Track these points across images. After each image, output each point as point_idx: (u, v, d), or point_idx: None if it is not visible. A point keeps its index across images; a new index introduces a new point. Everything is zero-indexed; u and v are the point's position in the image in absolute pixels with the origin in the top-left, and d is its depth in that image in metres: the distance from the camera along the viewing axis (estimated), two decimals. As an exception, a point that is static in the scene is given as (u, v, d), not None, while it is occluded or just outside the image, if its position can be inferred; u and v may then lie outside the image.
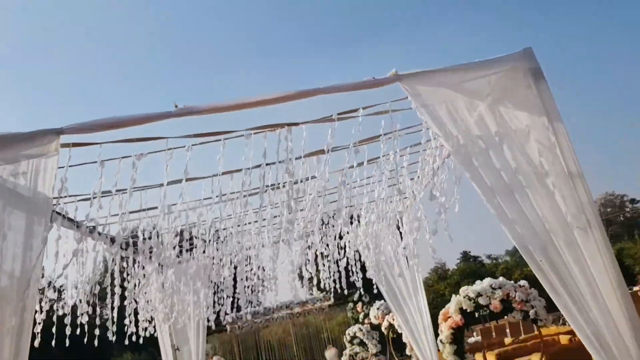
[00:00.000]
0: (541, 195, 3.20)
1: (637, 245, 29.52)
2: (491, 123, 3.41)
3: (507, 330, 16.55)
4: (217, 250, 6.13)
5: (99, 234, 4.96)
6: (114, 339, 5.04)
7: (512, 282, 5.26)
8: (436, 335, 6.85)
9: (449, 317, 5.44)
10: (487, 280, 5.33)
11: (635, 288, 10.83)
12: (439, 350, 7.13)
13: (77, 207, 4.18)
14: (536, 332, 13.32)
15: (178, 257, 7.13)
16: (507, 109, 3.42)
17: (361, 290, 22.29)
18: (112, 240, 5.04)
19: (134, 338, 5.57)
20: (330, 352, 22.22)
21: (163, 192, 4.17)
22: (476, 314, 17.11)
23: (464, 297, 5.37)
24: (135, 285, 5.81)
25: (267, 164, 3.82)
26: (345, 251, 7.22)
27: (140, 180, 4.06)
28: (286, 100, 3.10)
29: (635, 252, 26.69)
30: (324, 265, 7.47)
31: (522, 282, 5.24)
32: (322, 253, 7.23)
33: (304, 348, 25.21)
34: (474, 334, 18.04)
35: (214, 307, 6.95)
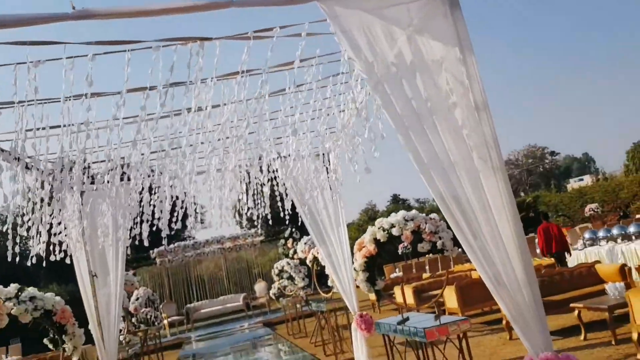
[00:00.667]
0: (448, 127, 3.25)
1: (552, 194, 32.28)
2: (408, 53, 3.40)
3: (427, 267, 17.45)
4: (132, 179, 5.92)
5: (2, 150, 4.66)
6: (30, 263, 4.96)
7: (423, 214, 5.48)
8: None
9: (364, 247, 5.62)
10: (401, 213, 5.52)
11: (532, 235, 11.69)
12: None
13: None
14: (452, 269, 14.13)
15: (92, 182, 6.89)
16: (424, 39, 3.41)
17: (292, 227, 22.74)
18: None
19: (50, 260, 5.40)
20: (259, 285, 22.76)
21: (66, 107, 3.97)
22: (400, 252, 17.79)
23: (379, 228, 5.55)
24: (44, 209, 5.58)
25: (174, 84, 3.68)
26: (271, 184, 7.20)
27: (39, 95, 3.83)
28: (195, 10, 2.94)
29: (549, 199, 28.72)
30: (254, 199, 7.41)
31: (433, 215, 5.47)
32: (248, 183, 7.16)
33: (235, 282, 25.67)
34: (396, 270, 18.93)
35: (134, 236, 6.78)
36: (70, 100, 3.95)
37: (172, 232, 6.38)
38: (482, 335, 8.46)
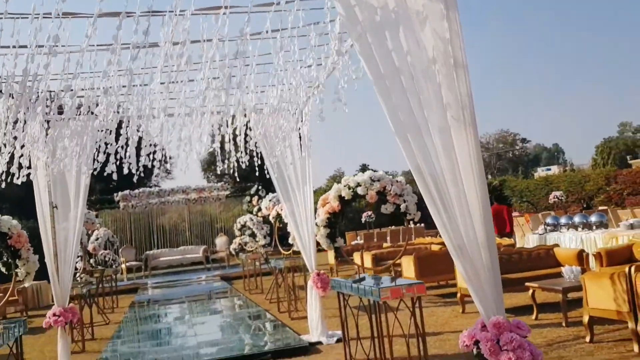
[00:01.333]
0: (426, 82, 3.24)
1: (518, 179, 33.07)
2: (392, 2, 3.34)
3: (388, 238, 17.70)
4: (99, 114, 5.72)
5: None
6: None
7: (390, 177, 5.50)
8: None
9: (327, 203, 5.64)
10: (368, 173, 5.53)
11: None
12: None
13: None
14: (413, 241, 14.36)
15: (60, 112, 6.68)
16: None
17: (259, 184, 22.68)
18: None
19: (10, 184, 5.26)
20: (221, 240, 22.77)
21: (35, 26, 3.79)
22: (363, 220, 17.99)
23: (344, 186, 5.56)
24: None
25: (154, 12, 3.54)
26: (245, 135, 7.06)
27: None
28: None
29: (515, 185, 29.35)
30: (222, 148, 7.23)
31: (400, 178, 5.50)
32: (218, 130, 6.99)
33: (196, 235, 25.61)
34: (358, 237, 19.16)
35: (96, 168, 6.60)
36: (40, 17, 3.78)
37: (138, 173, 6.25)
38: (436, 306, 8.67)
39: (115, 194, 21.85)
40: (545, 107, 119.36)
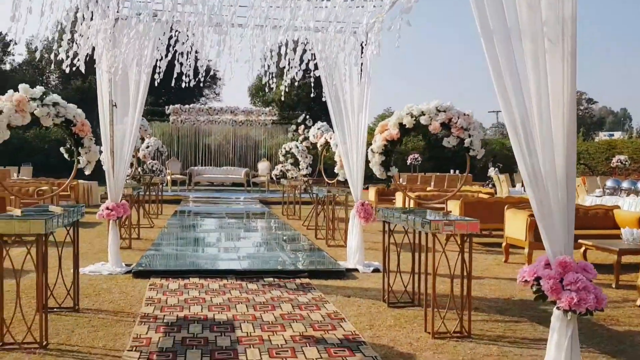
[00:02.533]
0: (532, 41, 2.93)
1: (578, 141, 31.68)
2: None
3: (432, 182, 17.49)
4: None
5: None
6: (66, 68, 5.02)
7: (458, 108, 5.29)
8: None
9: (386, 130, 5.50)
10: (435, 102, 5.32)
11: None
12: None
13: None
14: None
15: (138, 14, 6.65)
16: None
17: (306, 113, 22.57)
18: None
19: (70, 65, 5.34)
20: (263, 164, 23.04)
21: None
22: (408, 162, 17.81)
23: (406, 114, 5.38)
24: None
25: None
26: (301, 59, 6.85)
27: None
28: None
29: (575, 145, 28.21)
30: (277, 75, 7.04)
31: (468, 112, 5.27)
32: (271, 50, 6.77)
33: (239, 158, 25.99)
34: (401, 179, 19.03)
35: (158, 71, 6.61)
36: None
37: (188, 82, 6.22)
38: (478, 253, 8.59)
39: (166, 107, 22.15)
40: (616, 68, 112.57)
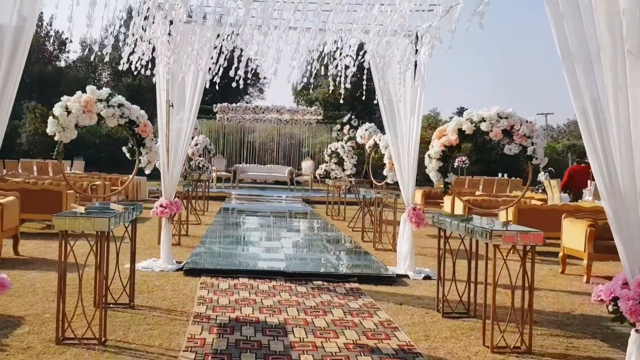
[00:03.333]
0: (605, 11, 2.82)
1: None
2: None
3: (480, 186, 17.12)
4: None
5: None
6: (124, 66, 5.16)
7: (520, 115, 5.11)
8: (419, 168, 6.98)
9: (445, 135, 5.37)
10: (496, 108, 5.15)
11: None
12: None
13: None
14: (508, 193, 13.77)
15: (189, 16, 6.75)
16: None
17: (351, 114, 22.49)
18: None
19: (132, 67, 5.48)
20: (307, 163, 23.10)
21: None
22: (455, 164, 17.48)
23: (466, 120, 5.24)
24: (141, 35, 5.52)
25: None
26: (354, 61, 6.74)
27: None
28: None
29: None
30: (328, 73, 6.95)
31: (531, 119, 5.09)
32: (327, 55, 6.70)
33: (283, 156, 26.18)
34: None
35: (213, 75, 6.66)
36: None
37: (239, 83, 6.23)
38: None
39: (213, 105, 22.47)
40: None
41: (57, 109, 5.30)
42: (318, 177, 18.81)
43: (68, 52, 38.60)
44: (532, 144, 4.96)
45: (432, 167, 5.44)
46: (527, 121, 5.04)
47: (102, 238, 4.14)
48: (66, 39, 31.49)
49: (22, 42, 2.92)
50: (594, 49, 2.81)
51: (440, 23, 5.88)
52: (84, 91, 5.60)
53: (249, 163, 24.59)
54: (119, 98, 5.64)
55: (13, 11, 2.84)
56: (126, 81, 34.06)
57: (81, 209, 4.33)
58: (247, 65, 6.30)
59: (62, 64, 38.30)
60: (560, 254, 7.70)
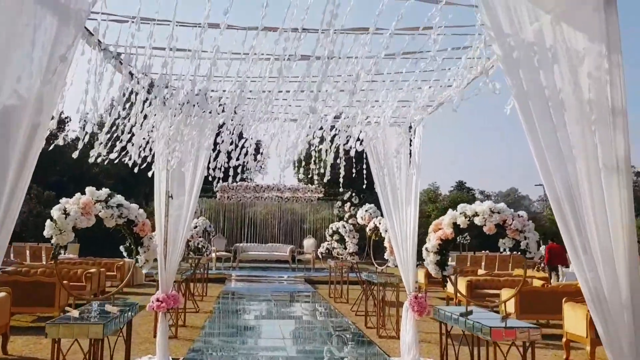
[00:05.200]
0: (578, 124, 3.02)
1: None
2: (548, 36, 3.16)
3: (483, 263, 17.01)
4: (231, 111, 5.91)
5: (121, 63, 4.74)
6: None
7: (512, 210, 5.23)
8: (419, 246, 7.02)
9: (440, 229, 5.45)
10: (488, 203, 5.28)
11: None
12: (419, 261, 7.29)
13: (108, 26, 3.94)
14: (509, 271, 13.68)
15: (194, 105, 7.00)
16: (568, 26, 3.16)
17: (352, 191, 22.69)
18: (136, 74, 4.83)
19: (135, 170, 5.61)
20: (308, 241, 23.03)
21: (200, 32, 3.95)
22: (457, 240, 17.59)
23: (460, 214, 5.35)
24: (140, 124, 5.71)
25: (303, 30, 3.56)
26: (352, 147, 6.99)
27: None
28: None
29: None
30: (325, 154, 7.20)
31: (522, 213, 5.21)
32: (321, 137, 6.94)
33: (284, 232, 26.15)
34: (450, 258, 18.62)
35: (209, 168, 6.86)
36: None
37: (240, 170, 6.42)
38: (537, 348, 8.17)
39: (213, 184, 22.72)
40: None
41: (55, 212, 5.39)
42: (320, 256, 18.73)
43: (67, 131, 39.42)
44: (525, 238, 5.05)
45: (429, 260, 5.49)
46: (518, 215, 5.15)
47: (95, 345, 4.13)
48: (65, 118, 31.97)
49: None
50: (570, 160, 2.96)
51: (430, 117, 6.16)
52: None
53: (250, 241, 24.51)
54: (118, 198, 5.75)
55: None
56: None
57: (75, 313, 4.34)
58: (246, 154, 6.54)
59: (61, 142, 38.78)
60: (564, 339, 7.55)
